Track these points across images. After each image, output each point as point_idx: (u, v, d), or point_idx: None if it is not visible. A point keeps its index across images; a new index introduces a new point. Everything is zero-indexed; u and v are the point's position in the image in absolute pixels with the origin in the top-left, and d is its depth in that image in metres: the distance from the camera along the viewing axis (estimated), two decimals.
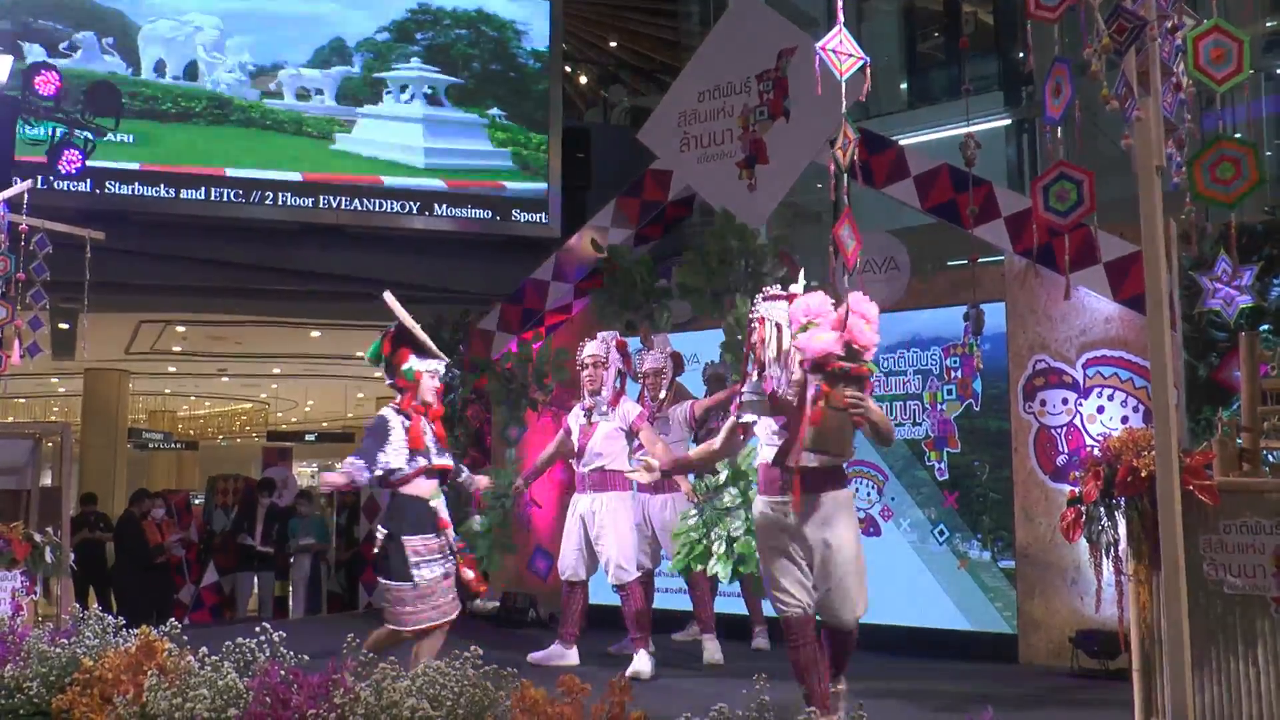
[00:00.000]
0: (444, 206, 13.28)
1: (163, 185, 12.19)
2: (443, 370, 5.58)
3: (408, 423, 5.39)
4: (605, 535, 6.64)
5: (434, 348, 5.54)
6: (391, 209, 13.09)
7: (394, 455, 5.31)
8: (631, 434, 6.71)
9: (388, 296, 5.58)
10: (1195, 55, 2.86)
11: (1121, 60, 3.07)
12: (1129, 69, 3.07)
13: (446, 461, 5.51)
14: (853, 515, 4.61)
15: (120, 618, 4.74)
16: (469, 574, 5.44)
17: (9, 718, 3.95)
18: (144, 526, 11.68)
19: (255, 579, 11.60)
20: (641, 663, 6.38)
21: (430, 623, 5.31)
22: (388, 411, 5.46)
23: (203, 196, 12.34)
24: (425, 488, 5.39)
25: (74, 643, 4.28)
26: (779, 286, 4.66)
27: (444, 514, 5.42)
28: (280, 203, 12.70)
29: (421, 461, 5.35)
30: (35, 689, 3.97)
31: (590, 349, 6.78)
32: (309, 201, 12.79)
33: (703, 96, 8.31)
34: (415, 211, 13.15)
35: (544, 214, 13.57)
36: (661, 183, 8.66)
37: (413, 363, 5.47)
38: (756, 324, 4.56)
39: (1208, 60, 2.84)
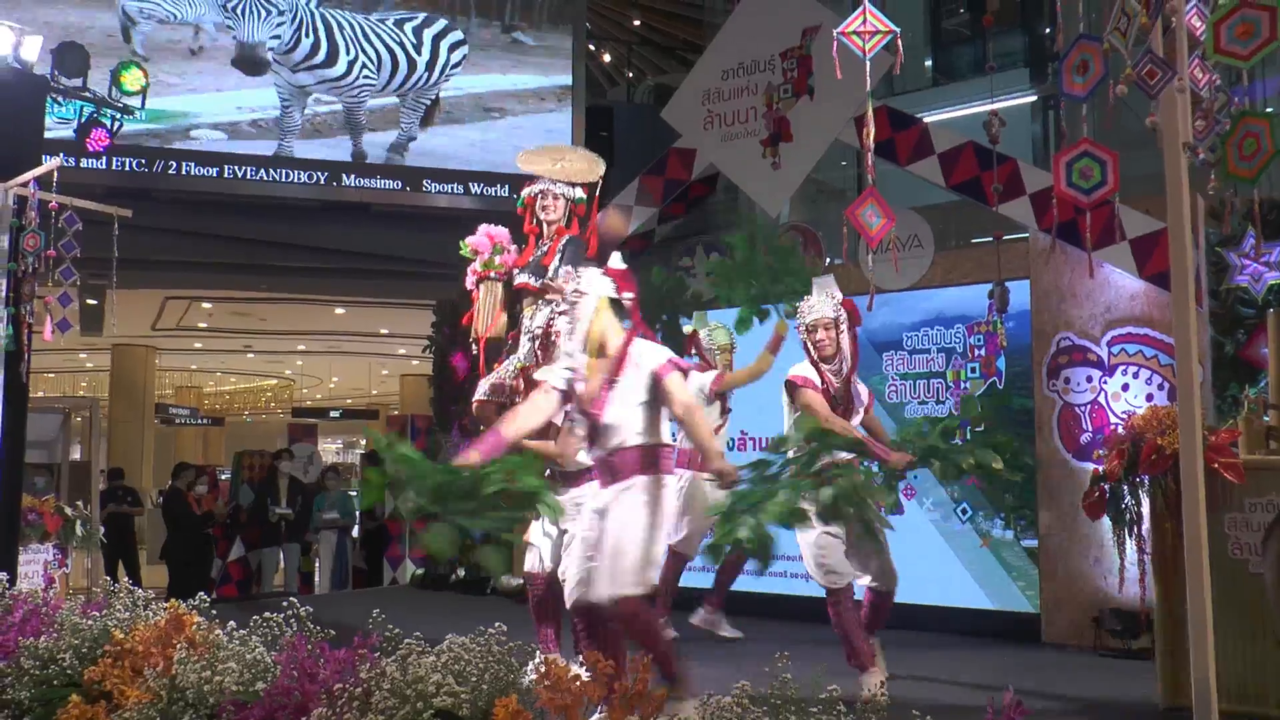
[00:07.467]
0: (468, 184, 13.34)
1: (188, 162, 12.29)
2: None
3: None
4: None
5: None
6: (415, 186, 13.14)
7: None
8: None
9: None
10: (1216, 39, 2.81)
11: (1148, 38, 3.05)
12: (1155, 43, 3.05)
13: None
14: None
15: (174, 589, 4.78)
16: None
17: (44, 688, 4.03)
18: (188, 499, 11.81)
19: (281, 553, 11.71)
20: None
21: None
22: None
23: (229, 175, 12.45)
24: None
25: (105, 615, 4.34)
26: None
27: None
28: (305, 180, 12.78)
29: None
30: (68, 660, 4.04)
31: None
32: (334, 178, 12.86)
33: (727, 75, 8.28)
34: (439, 189, 13.20)
35: None
36: (685, 161, 8.64)
37: None
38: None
39: (1231, 39, 2.79)
